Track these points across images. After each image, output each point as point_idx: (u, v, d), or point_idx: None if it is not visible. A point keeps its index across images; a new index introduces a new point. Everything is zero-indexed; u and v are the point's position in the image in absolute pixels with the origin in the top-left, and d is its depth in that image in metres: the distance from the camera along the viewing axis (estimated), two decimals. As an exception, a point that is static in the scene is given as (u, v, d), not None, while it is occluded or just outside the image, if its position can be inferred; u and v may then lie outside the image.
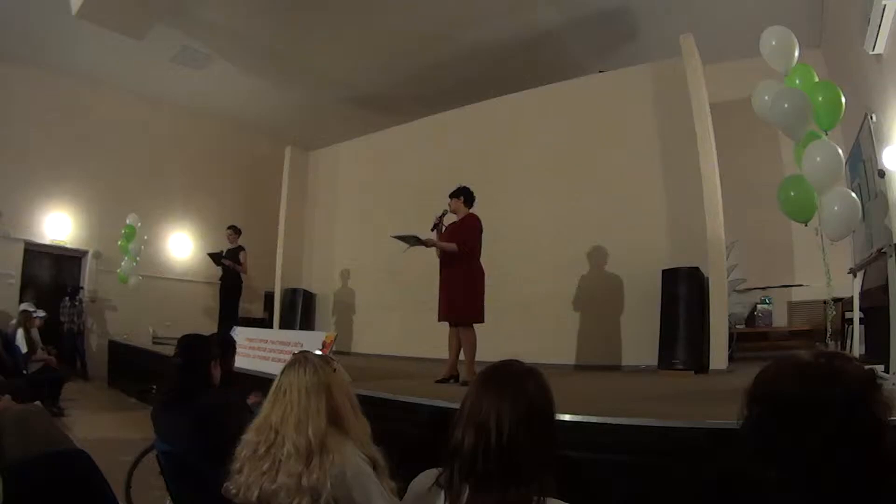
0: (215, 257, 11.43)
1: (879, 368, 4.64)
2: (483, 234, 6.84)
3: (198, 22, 11.39)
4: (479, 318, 6.67)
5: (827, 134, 5.30)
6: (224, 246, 11.72)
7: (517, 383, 1.77)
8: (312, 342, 6.79)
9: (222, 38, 12.05)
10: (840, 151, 5.05)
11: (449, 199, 7.05)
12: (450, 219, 7.04)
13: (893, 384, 4.33)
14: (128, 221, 13.19)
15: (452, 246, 6.59)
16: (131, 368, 11.00)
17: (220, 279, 11.50)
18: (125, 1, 9.68)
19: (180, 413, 3.28)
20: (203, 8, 10.94)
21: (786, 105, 5.17)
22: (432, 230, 6.96)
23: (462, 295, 6.65)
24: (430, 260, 7.16)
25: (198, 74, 13.49)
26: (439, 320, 6.88)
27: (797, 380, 1.27)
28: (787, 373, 1.31)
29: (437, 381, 6.48)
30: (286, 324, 12.85)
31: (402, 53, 12.45)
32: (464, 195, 7.00)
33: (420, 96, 13.53)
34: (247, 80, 13.80)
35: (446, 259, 6.77)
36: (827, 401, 1.21)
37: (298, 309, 12.97)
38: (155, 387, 8.06)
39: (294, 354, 2.47)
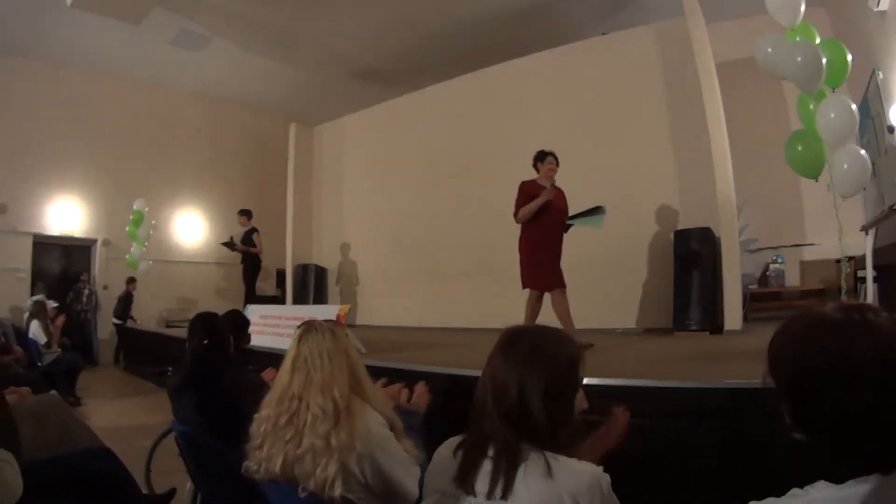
0: (229, 245, 11.73)
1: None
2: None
3: (194, 3, 11.33)
4: None
5: (834, 92, 5.25)
6: (234, 227, 12.03)
7: (536, 348, 1.77)
8: (326, 315, 6.77)
9: (220, 18, 11.94)
10: (855, 108, 5.00)
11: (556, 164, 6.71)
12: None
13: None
14: (135, 207, 13.24)
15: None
16: (146, 353, 11.07)
17: (242, 262, 11.79)
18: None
19: (197, 393, 3.30)
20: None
21: (799, 59, 5.12)
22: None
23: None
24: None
25: (197, 56, 13.42)
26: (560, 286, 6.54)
27: (828, 337, 1.20)
28: (823, 333, 1.23)
29: None
30: (299, 300, 12.87)
31: (403, 24, 12.35)
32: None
33: (422, 66, 13.43)
34: (247, 58, 13.71)
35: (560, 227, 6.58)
36: (863, 359, 1.15)
37: (311, 284, 12.99)
38: (171, 369, 8.10)
39: (302, 324, 2.46)
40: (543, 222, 6.38)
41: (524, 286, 6.51)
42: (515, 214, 6.44)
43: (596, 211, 6.37)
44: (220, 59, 13.64)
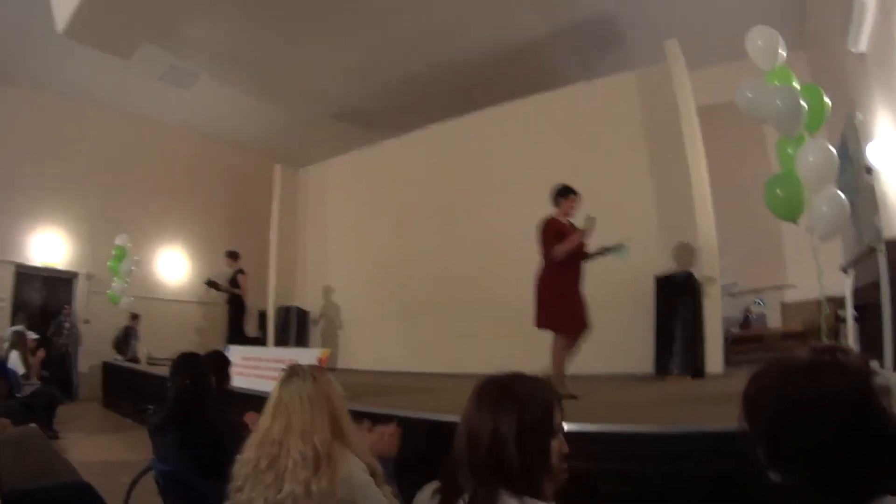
0: (213, 285, 11.76)
1: (874, 364, 4.66)
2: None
3: (185, 40, 11.41)
4: None
5: (812, 136, 5.35)
6: (217, 265, 12.34)
7: (508, 394, 1.78)
8: (307, 359, 6.71)
9: (209, 56, 12.08)
10: (834, 151, 5.09)
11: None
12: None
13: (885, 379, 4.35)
14: (116, 242, 13.18)
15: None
16: (127, 390, 10.96)
17: (227, 302, 11.75)
18: (112, 20, 9.65)
19: (178, 432, 3.29)
20: (190, 26, 10.95)
21: (778, 103, 5.21)
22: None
23: None
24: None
25: (185, 93, 13.51)
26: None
27: (803, 377, 1.26)
28: (795, 375, 1.28)
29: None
30: (280, 342, 12.80)
31: (388, 67, 12.52)
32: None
33: (407, 109, 13.52)
34: (235, 97, 13.84)
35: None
36: (837, 394, 1.20)
37: (293, 327, 12.92)
38: (151, 407, 8.01)
39: (287, 368, 2.46)
40: (575, 260, 6.32)
41: (548, 328, 6.23)
42: (547, 252, 6.23)
43: (621, 245, 6.39)
44: (208, 96, 13.74)
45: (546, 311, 6.24)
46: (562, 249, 6.13)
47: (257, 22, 10.93)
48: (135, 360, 13.12)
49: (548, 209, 6.61)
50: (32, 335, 10.54)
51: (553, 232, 6.26)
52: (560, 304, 6.22)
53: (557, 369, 6.03)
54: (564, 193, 6.48)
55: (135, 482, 4.07)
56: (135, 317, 13.50)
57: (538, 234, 6.36)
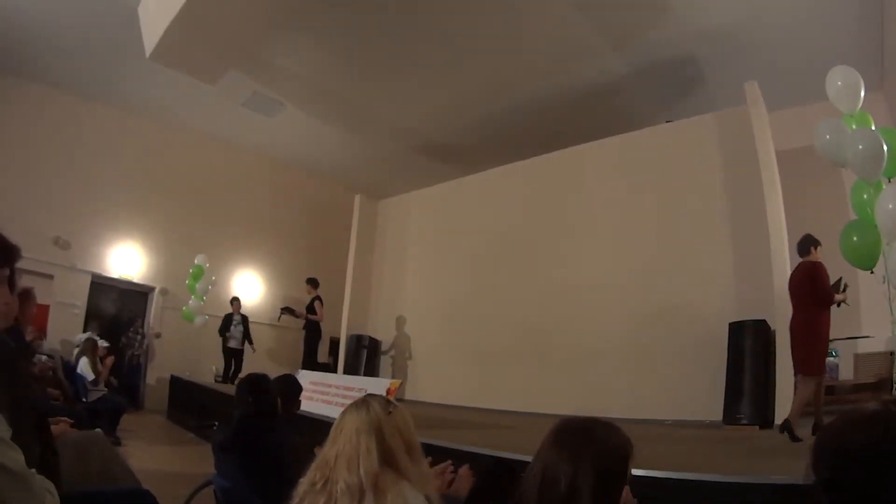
0: (289, 311, 12.44)
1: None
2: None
3: (270, 68, 11.71)
4: None
5: (890, 181, 5.21)
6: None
7: (590, 439, 1.76)
8: (376, 389, 6.75)
9: (294, 85, 12.36)
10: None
11: None
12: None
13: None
14: (196, 262, 13.45)
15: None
16: (192, 404, 11.14)
17: (304, 328, 12.46)
18: (198, 46, 9.86)
19: (240, 452, 3.32)
20: (275, 55, 11.25)
21: (860, 146, 5.10)
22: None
23: None
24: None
25: (269, 119, 13.82)
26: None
27: (870, 431, 1.23)
28: (860, 425, 1.26)
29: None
30: (350, 369, 12.86)
31: (471, 104, 12.64)
32: None
33: (488, 147, 13.69)
34: (317, 126, 14.11)
35: None
36: None
37: (363, 355, 13.03)
38: (216, 424, 8.13)
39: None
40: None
41: (811, 372, 6.22)
42: (822, 295, 6.25)
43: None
44: (290, 123, 14.05)
45: (816, 356, 6.27)
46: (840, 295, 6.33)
47: (343, 55, 11.20)
48: (227, 347, 13.37)
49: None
50: (103, 343, 10.79)
51: (826, 276, 6.31)
52: (813, 345, 6.28)
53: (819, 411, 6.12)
54: (815, 243, 6.59)
55: (193, 494, 4.12)
56: (234, 301, 13.81)
57: (809, 278, 6.38)
